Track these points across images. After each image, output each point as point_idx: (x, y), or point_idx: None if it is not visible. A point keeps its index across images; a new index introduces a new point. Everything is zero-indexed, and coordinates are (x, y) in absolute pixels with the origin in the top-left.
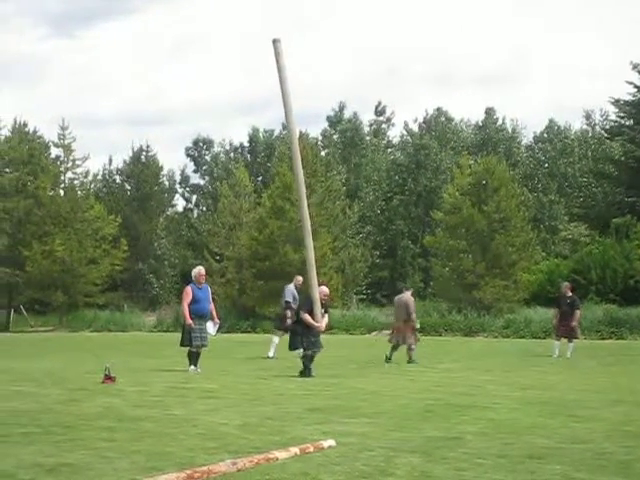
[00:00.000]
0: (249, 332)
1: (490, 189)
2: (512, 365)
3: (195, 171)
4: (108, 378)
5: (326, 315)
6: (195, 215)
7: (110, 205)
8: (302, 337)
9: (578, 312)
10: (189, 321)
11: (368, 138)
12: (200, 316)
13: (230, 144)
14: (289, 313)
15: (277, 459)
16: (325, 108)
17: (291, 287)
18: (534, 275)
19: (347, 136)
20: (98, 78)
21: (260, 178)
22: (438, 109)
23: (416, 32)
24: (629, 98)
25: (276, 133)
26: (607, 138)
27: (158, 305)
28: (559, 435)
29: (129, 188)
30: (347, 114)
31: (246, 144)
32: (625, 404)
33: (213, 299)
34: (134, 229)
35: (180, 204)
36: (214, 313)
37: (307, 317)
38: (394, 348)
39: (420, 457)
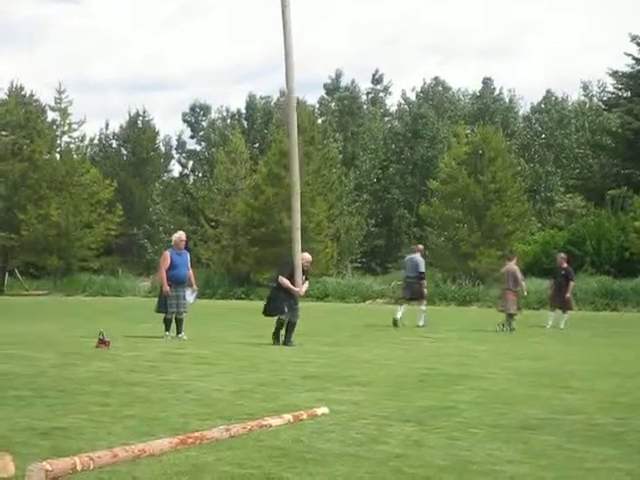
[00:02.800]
0: (243, 299)
1: (486, 159)
2: (507, 335)
3: (192, 137)
4: (102, 342)
5: (306, 282)
6: (191, 181)
7: (106, 170)
8: (284, 302)
9: (572, 283)
10: (166, 288)
11: (365, 106)
12: (177, 282)
13: (227, 110)
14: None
15: (270, 426)
16: (322, 76)
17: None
18: (529, 246)
19: (344, 104)
20: (96, 43)
21: (257, 145)
22: (435, 78)
23: (415, 3)
24: (627, 70)
25: (273, 100)
26: (604, 109)
27: (152, 270)
28: (552, 406)
29: (125, 153)
30: (344, 82)
31: (243, 111)
32: (618, 376)
33: (192, 265)
34: (130, 194)
35: (176, 170)
36: (192, 280)
37: (286, 281)
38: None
39: (413, 426)
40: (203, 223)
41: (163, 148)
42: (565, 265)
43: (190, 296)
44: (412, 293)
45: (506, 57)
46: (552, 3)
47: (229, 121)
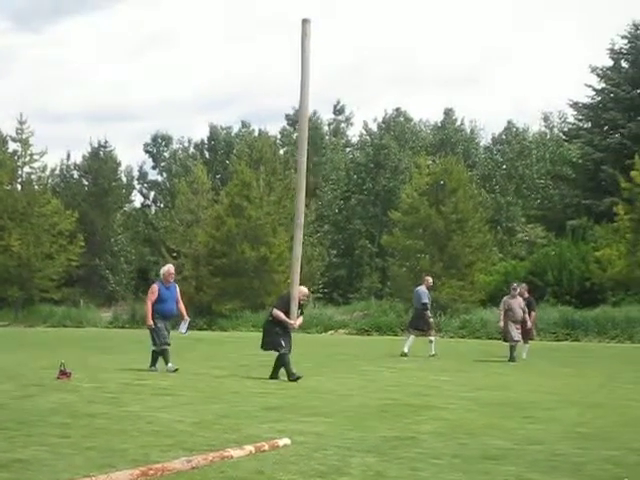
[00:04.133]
0: (205, 329)
1: (448, 190)
2: (468, 365)
3: (153, 167)
4: (63, 374)
5: (301, 316)
6: (152, 211)
7: (67, 200)
8: (281, 337)
9: (534, 314)
10: (150, 322)
11: (327, 137)
12: (164, 316)
13: (189, 141)
14: None
15: (232, 457)
16: (285, 106)
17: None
18: (491, 276)
19: None
20: (59, 73)
21: (218, 176)
22: (397, 109)
23: (375, 33)
24: (587, 101)
25: (235, 130)
26: (565, 140)
27: (114, 301)
28: (514, 436)
29: (87, 184)
30: None
31: (205, 141)
32: (579, 405)
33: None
34: (91, 225)
35: (138, 200)
36: (183, 311)
37: (280, 314)
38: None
39: (375, 457)
40: (164, 254)
41: (125, 179)
42: (526, 295)
43: (183, 327)
44: (420, 324)
45: (467, 88)
46: (513, 35)
47: (191, 151)
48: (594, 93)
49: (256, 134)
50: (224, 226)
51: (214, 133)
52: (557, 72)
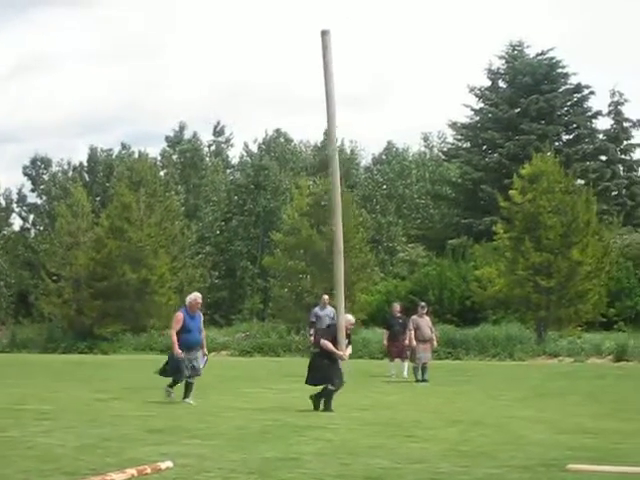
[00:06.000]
0: (86, 353)
1: (329, 210)
2: (350, 385)
3: (32, 190)
4: None
5: (350, 345)
6: (32, 235)
7: None
8: (330, 370)
9: (409, 332)
10: (178, 351)
11: (208, 158)
12: (189, 348)
13: (68, 163)
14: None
15: None
16: (165, 128)
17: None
18: (372, 296)
19: (187, 156)
20: None
21: (98, 198)
22: (277, 130)
23: (256, 54)
24: (466, 121)
25: (115, 153)
26: (444, 160)
27: None
28: (396, 455)
29: None
30: (187, 135)
31: (85, 164)
32: (461, 424)
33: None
34: None
35: (17, 223)
36: (204, 344)
37: (329, 345)
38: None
39: (258, 478)
40: (44, 277)
41: (3, 202)
42: (399, 315)
43: (201, 361)
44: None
45: (347, 109)
46: (393, 56)
47: (70, 174)
48: (472, 113)
49: (136, 156)
50: (105, 248)
51: (94, 155)
52: (436, 92)
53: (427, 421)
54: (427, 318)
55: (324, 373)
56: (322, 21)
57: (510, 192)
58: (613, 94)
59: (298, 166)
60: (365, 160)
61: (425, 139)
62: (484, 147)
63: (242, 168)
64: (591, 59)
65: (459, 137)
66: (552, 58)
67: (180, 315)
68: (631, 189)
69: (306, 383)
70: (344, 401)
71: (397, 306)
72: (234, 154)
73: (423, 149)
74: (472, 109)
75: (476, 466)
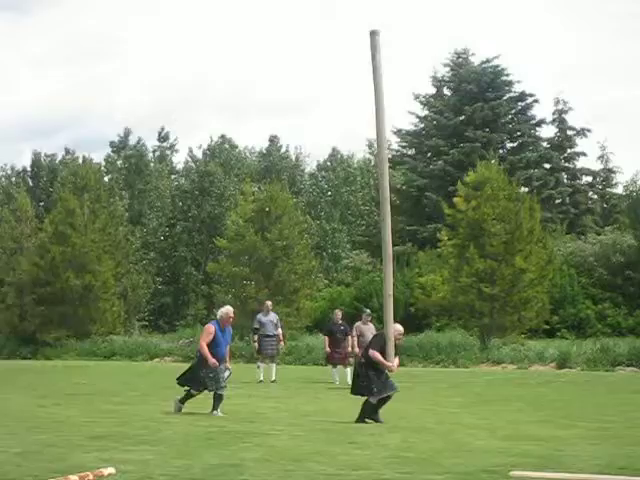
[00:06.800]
0: (29, 358)
1: (273, 216)
2: (294, 392)
3: None
4: None
5: (398, 356)
6: None
7: None
8: (373, 382)
9: (350, 338)
10: (214, 361)
11: (152, 164)
12: (217, 361)
13: (12, 168)
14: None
15: None
16: (109, 134)
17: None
18: (316, 302)
19: (131, 162)
20: None
21: (42, 203)
22: (222, 136)
23: (201, 61)
24: (411, 128)
25: (59, 158)
26: (389, 167)
27: None
28: (339, 462)
29: None
30: (132, 140)
31: (28, 168)
32: (404, 430)
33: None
34: None
35: None
36: (228, 358)
37: (378, 355)
38: None
39: None
40: None
41: None
42: (340, 321)
43: (225, 374)
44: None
45: (293, 115)
46: (337, 62)
47: (14, 179)
48: (417, 120)
49: (80, 161)
50: (48, 254)
51: (37, 160)
52: None
53: (370, 427)
54: (371, 325)
55: (367, 383)
56: (269, 26)
57: (454, 199)
58: (557, 102)
59: (243, 172)
60: (310, 166)
61: (370, 146)
62: (429, 154)
63: (187, 174)
64: (535, 67)
65: (404, 144)
66: (497, 66)
67: (212, 328)
68: (574, 197)
69: (351, 393)
70: (288, 407)
71: (339, 313)
72: (179, 160)
73: (368, 156)
74: (417, 116)
75: (419, 473)
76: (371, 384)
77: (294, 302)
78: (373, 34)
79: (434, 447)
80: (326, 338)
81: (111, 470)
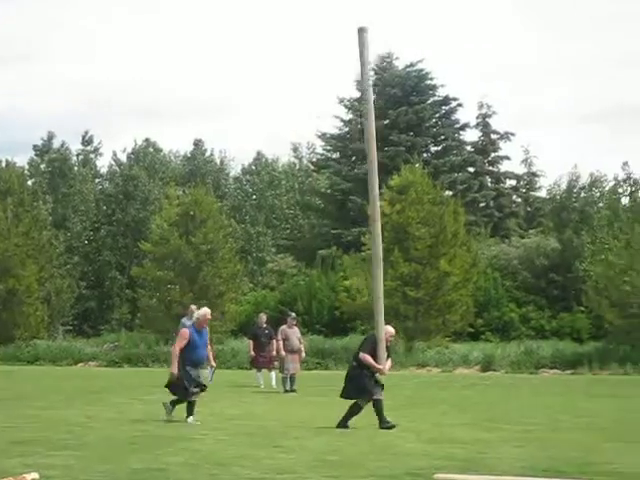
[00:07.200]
0: None
1: (198, 220)
2: (219, 396)
3: None
4: None
5: (389, 359)
6: None
7: None
8: (367, 384)
9: (275, 342)
10: (175, 370)
11: (76, 168)
12: (196, 364)
13: None
14: None
15: None
16: (33, 137)
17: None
18: (241, 306)
19: (55, 166)
20: None
21: None
22: (147, 140)
23: (125, 63)
24: (335, 132)
25: None
26: (314, 171)
27: None
28: (264, 465)
29: None
30: (55, 144)
31: None
32: (329, 434)
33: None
34: None
35: None
36: (211, 358)
37: (368, 358)
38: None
39: None
40: None
41: None
42: (265, 325)
43: (210, 374)
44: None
45: (217, 119)
46: (263, 66)
47: None
48: (342, 124)
49: (3, 165)
50: None
51: None
52: (306, 103)
53: (295, 431)
54: (296, 329)
55: (359, 386)
56: (193, 29)
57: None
58: (481, 106)
59: (167, 176)
60: (235, 170)
61: (295, 150)
62: (353, 158)
63: (111, 178)
64: (459, 71)
65: (328, 148)
66: (421, 70)
67: (186, 332)
68: (498, 200)
69: (341, 397)
70: (213, 411)
71: (263, 317)
72: (103, 164)
73: (293, 159)
74: (341, 120)
75: (344, 476)
76: (365, 386)
77: (219, 306)
78: (361, 31)
79: (359, 450)
80: (251, 342)
81: (34, 475)
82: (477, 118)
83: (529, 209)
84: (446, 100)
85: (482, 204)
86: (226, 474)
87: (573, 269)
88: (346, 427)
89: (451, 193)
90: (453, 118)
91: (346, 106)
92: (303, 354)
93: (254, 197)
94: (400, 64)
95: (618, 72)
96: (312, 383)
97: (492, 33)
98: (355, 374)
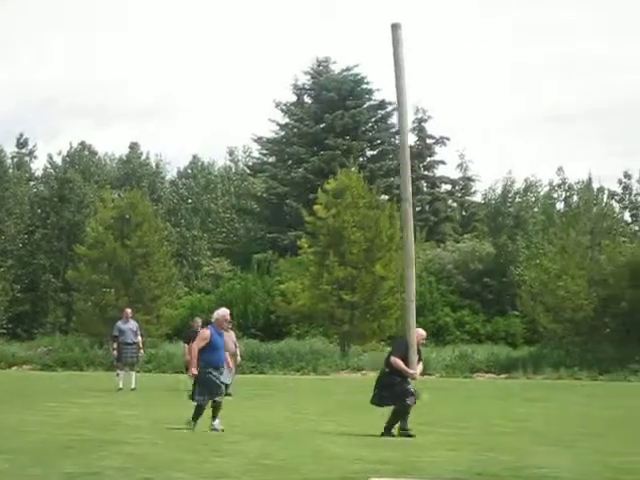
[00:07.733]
0: None
1: (133, 223)
2: (155, 400)
3: None
4: None
5: (420, 362)
6: None
7: None
8: (400, 389)
9: None
10: (195, 371)
11: (11, 171)
12: (216, 366)
13: None
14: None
15: None
16: None
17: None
18: (176, 310)
19: None
20: None
21: None
22: (82, 143)
23: (60, 64)
24: (271, 136)
25: None
26: (250, 175)
27: None
28: (199, 470)
29: None
30: None
31: None
32: (264, 438)
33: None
34: None
35: None
36: (230, 360)
37: (400, 362)
38: None
39: None
40: None
41: None
42: (200, 329)
43: (228, 377)
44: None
45: (153, 122)
46: (199, 69)
47: None
48: (278, 128)
49: None
50: None
51: None
52: (242, 107)
53: (230, 435)
54: (232, 333)
55: (392, 392)
56: (129, 30)
57: (315, 207)
58: (416, 111)
59: (103, 179)
60: (170, 174)
61: (230, 153)
62: (289, 162)
63: (46, 181)
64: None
65: (265, 152)
66: (357, 74)
67: (207, 333)
68: (434, 205)
69: (371, 403)
70: (148, 415)
71: (198, 320)
72: (37, 166)
73: (229, 163)
74: (278, 124)
75: (278, 478)
76: (401, 389)
77: (154, 309)
78: (395, 27)
79: (293, 454)
80: (186, 346)
81: None
82: (413, 123)
83: (464, 214)
84: (382, 104)
85: (418, 208)
86: (161, 478)
87: (508, 274)
88: (392, 434)
89: (387, 197)
90: (389, 122)
91: (282, 110)
92: (239, 358)
93: (190, 201)
94: (337, 68)
95: (552, 78)
96: (247, 387)
97: (427, 36)
98: (386, 380)
